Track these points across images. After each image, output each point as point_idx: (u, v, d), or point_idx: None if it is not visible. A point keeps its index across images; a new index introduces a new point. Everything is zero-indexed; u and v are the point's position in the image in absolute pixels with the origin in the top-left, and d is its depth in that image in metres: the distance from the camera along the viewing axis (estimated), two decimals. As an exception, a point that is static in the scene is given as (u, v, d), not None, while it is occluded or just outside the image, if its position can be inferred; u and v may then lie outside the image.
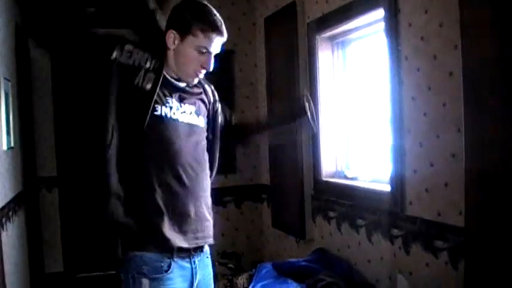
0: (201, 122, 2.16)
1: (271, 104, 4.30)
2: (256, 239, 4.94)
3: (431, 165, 2.63)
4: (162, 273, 2.06)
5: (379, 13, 3.01)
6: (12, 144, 4.21)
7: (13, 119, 4.32)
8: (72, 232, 6.58)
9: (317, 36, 3.72)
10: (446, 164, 2.52)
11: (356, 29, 3.48)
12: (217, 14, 2.09)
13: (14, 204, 4.24)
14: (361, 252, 3.32)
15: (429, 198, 2.67)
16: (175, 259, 2.07)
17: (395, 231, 2.94)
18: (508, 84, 1.92)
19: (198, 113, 2.15)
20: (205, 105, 2.21)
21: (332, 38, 3.74)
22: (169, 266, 2.06)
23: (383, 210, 3.03)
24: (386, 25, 2.92)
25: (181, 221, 2.07)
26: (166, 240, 2.04)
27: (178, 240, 2.06)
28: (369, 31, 3.40)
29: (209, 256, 2.25)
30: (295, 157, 3.95)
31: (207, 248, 2.21)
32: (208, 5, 2.11)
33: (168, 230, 2.04)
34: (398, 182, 2.87)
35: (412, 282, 2.82)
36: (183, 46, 2.07)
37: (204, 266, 2.20)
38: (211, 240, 2.19)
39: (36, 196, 6.27)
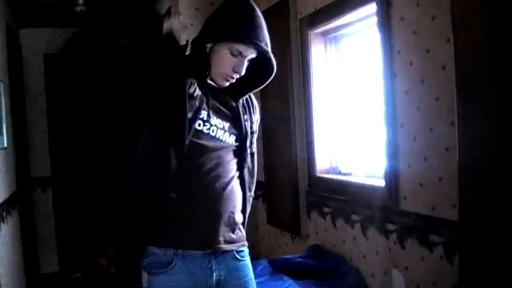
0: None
1: (264, 100, 4.29)
2: (251, 236, 4.93)
3: (425, 159, 2.63)
4: (162, 268, 2.06)
5: (372, 8, 3.00)
6: (5, 145, 4.19)
7: (6, 119, 4.31)
8: (67, 232, 6.57)
9: (309, 32, 3.72)
10: (440, 158, 2.51)
11: (348, 24, 3.48)
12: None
13: (8, 204, 4.23)
14: (356, 247, 3.32)
15: (423, 193, 2.67)
16: (179, 253, 2.06)
17: (390, 226, 2.94)
18: (500, 76, 1.91)
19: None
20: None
21: (325, 34, 3.74)
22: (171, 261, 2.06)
23: (378, 205, 3.03)
24: (378, 19, 2.92)
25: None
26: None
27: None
28: (361, 26, 3.40)
29: (243, 258, 2.21)
30: (290, 154, 3.95)
31: (232, 248, 2.16)
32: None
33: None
34: (392, 177, 2.87)
35: (408, 276, 2.82)
36: (217, 46, 2.08)
37: (230, 267, 2.15)
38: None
39: (30, 196, 6.26)
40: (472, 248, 2.13)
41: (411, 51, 2.70)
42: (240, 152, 2.20)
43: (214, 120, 2.11)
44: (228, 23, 2.07)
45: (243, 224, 2.24)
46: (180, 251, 2.06)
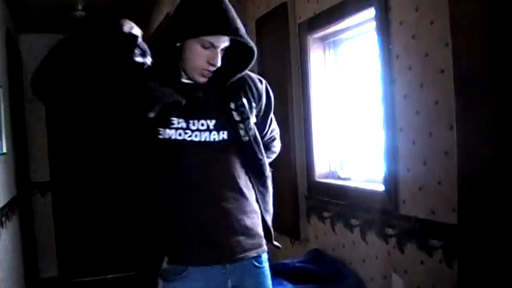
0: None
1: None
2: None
3: (424, 163, 2.63)
4: (176, 275, 2.03)
5: (370, 12, 3.01)
6: (4, 150, 4.20)
7: (5, 125, 4.31)
8: (67, 237, 6.57)
9: (308, 37, 3.72)
10: (439, 162, 2.52)
11: (347, 28, 3.48)
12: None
13: (8, 209, 4.23)
14: (355, 251, 3.32)
15: (423, 197, 2.67)
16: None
17: (389, 230, 2.94)
18: (499, 80, 1.92)
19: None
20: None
21: (323, 38, 3.74)
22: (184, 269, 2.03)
23: (377, 209, 3.03)
24: (377, 24, 2.92)
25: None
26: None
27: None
28: (360, 31, 3.40)
29: (260, 264, 2.16)
30: (289, 158, 3.95)
31: (247, 255, 2.10)
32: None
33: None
34: (391, 181, 2.87)
35: (407, 280, 2.82)
36: (187, 42, 2.00)
37: (246, 273, 2.11)
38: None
39: (30, 201, 6.26)
40: (471, 252, 2.13)
41: (410, 56, 2.70)
42: (238, 145, 2.10)
43: (196, 123, 2.03)
44: (193, 17, 1.98)
45: (264, 226, 2.16)
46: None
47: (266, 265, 2.18)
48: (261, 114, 2.26)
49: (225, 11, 2.00)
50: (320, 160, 3.78)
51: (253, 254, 2.12)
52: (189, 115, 2.03)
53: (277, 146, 2.50)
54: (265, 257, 2.18)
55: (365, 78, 3.42)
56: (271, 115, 2.35)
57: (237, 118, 2.10)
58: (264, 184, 2.20)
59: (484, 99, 2.00)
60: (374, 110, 3.21)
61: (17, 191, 4.91)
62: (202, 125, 2.04)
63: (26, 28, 6.23)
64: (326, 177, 3.78)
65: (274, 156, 2.50)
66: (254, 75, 2.26)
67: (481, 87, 2.02)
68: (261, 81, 2.26)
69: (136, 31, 1.95)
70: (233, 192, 2.07)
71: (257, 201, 2.15)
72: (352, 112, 3.67)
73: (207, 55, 1.99)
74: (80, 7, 5.53)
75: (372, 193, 3.12)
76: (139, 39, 1.95)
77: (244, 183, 2.12)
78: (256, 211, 2.15)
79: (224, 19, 1.98)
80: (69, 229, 6.61)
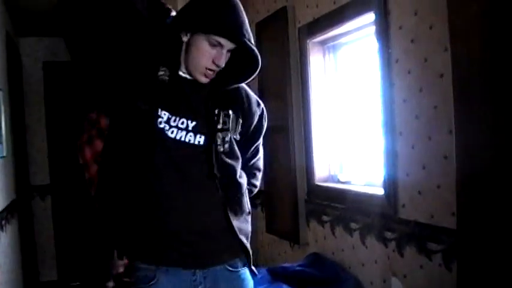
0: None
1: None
2: (251, 244, 4.91)
3: (424, 167, 2.64)
4: (146, 282, 1.99)
5: (370, 17, 3.01)
6: (4, 153, 4.20)
7: (5, 128, 4.31)
8: (66, 240, 6.56)
9: (308, 41, 3.73)
10: (439, 166, 2.52)
11: (347, 32, 3.49)
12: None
13: (7, 212, 4.23)
14: (355, 255, 3.32)
15: (422, 201, 2.67)
16: (162, 269, 1.99)
17: (388, 234, 2.94)
18: (497, 84, 1.92)
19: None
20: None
21: (323, 42, 3.75)
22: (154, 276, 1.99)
23: (376, 213, 3.04)
24: (376, 28, 2.93)
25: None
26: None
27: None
28: (359, 35, 3.41)
29: (235, 269, 2.08)
30: (288, 162, 3.95)
31: (217, 261, 2.04)
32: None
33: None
34: (391, 185, 2.88)
35: (407, 284, 2.82)
36: (195, 37, 1.93)
37: (218, 278, 2.04)
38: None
39: (29, 204, 6.25)
40: (470, 256, 2.13)
41: (409, 60, 2.71)
42: (212, 154, 2.00)
43: (177, 120, 1.97)
44: (210, 13, 1.91)
45: (231, 231, 2.06)
46: (163, 267, 1.98)
47: (243, 270, 2.11)
48: (248, 135, 2.17)
49: (243, 17, 1.96)
50: (320, 164, 3.79)
51: (224, 260, 2.06)
52: (172, 109, 1.98)
53: (253, 183, 2.37)
54: (241, 261, 2.11)
55: (364, 82, 3.43)
56: (258, 145, 2.28)
57: (218, 126, 2.02)
58: (239, 202, 2.11)
59: (483, 103, 2.01)
60: (373, 114, 3.21)
61: (17, 195, 4.90)
62: (183, 123, 1.98)
63: (25, 32, 6.23)
64: (326, 181, 3.78)
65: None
66: (253, 95, 2.19)
67: (480, 92, 2.02)
68: (258, 104, 2.20)
69: None
70: (197, 201, 2.00)
71: (232, 215, 2.06)
72: (351, 116, 3.67)
73: (212, 54, 1.93)
74: (80, 10, 5.53)
75: (372, 197, 3.12)
76: None
77: (213, 194, 2.03)
78: (228, 218, 2.06)
79: (239, 23, 1.93)
80: (69, 232, 6.59)
